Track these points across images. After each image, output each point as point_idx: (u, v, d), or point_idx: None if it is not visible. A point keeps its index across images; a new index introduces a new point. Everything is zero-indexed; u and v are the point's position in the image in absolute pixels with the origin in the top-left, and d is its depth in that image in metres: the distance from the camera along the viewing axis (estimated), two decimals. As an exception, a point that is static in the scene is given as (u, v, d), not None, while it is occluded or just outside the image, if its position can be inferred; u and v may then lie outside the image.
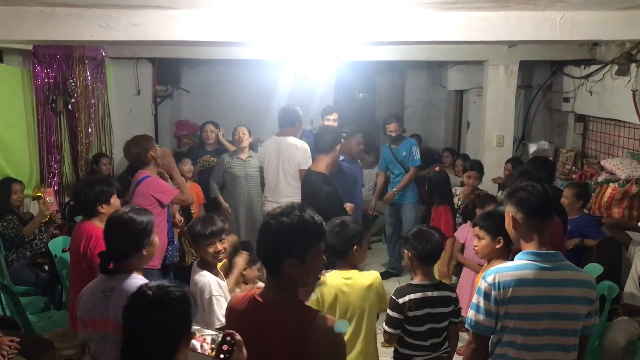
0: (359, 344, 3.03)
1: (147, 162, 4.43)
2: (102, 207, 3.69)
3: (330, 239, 2.82)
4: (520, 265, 2.50)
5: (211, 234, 3.32)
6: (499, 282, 2.45)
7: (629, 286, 4.29)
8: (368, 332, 3.06)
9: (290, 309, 2.03)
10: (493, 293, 2.45)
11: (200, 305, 3.14)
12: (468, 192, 5.48)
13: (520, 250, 2.60)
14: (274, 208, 2.13)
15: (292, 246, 1.99)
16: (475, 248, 3.46)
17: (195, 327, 2.19)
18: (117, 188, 3.90)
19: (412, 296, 3.12)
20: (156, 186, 4.30)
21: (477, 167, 5.67)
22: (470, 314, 2.55)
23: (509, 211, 2.60)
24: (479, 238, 3.41)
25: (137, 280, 2.65)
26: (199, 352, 2.17)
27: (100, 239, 3.54)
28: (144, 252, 2.75)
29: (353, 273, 3.06)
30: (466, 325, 2.59)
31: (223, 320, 3.04)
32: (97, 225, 3.66)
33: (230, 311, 2.18)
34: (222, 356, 1.84)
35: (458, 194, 5.72)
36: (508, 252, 3.34)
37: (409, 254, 3.25)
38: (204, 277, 3.23)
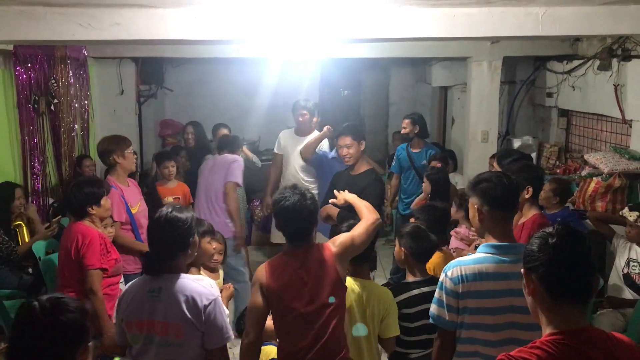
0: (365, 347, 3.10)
1: (109, 164, 4.33)
2: (92, 209, 3.66)
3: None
4: (480, 258, 2.47)
5: (203, 233, 3.31)
6: (459, 276, 2.44)
7: (613, 279, 4.34)
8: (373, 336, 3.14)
9: (315, 253, 2.83)
10: (453, 287, 2.44)
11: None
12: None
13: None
14: (287, 193, 2.82)
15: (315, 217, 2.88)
16: None
17: None
18: (108, 189, 3.87)
19: (408, 294, 3.17)
20: (112, 202, 4.07)
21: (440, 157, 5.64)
22: (433, 309, 2.55)
23: (474, 203, 2.56)
24: None
25: (186, 280, 2.64)
26: None
27: (91, 240, 3.54)
28: (189, 251, 2.72)
29: (367, 283, 3.15)
30: (430, 320, 2.59)
31: (227, 320, 3.08)
32: (89, 226, 3.64)
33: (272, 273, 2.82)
34: None
35: None
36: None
37: (405, 251, 3.27)
38: (203, 281, 3.17)
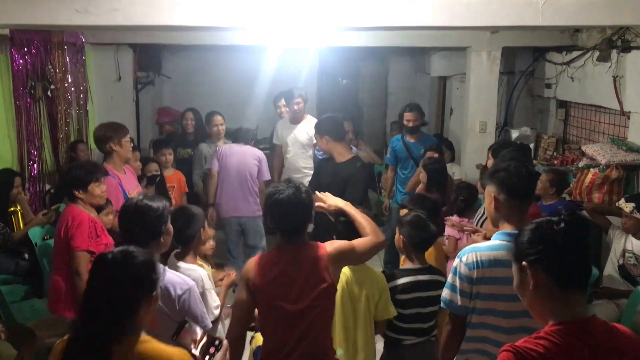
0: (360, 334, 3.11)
1: (105, 151, 4.28)
2: (78, 192, 3.65)
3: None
4: (495, 245, 2.50)
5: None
6: (474, 262, 2.46)
7: (609, 270, 4.35)
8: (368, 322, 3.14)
9: (309, 251, 2.71)
10: (468, 272, 2.46)
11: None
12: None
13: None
14: (281, 187, 2.71)
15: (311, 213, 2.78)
16: None
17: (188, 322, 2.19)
18: (99, 177, 3.80)
19: (403, 280, 3.18)
20: (108, 191, 4.02)
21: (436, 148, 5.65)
22: (445, 293, 2.56)
23: (490, 191, 2.59)
24: None
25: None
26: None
27: (80, 221, 3.53)
28: (162, 240, 2.72)
29: (360, 266, 3.13)
30: (442, 305, 2.61)
31: (216, 312, 3.12)
32: (81, 208, 3.63)
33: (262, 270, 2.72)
34: (207, 358, 2.06)
35: None
36: None
37: (403, 239, 3.28)
38: (195, 272, 3.16)
